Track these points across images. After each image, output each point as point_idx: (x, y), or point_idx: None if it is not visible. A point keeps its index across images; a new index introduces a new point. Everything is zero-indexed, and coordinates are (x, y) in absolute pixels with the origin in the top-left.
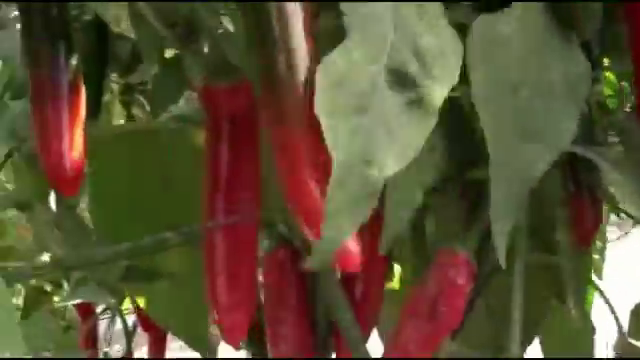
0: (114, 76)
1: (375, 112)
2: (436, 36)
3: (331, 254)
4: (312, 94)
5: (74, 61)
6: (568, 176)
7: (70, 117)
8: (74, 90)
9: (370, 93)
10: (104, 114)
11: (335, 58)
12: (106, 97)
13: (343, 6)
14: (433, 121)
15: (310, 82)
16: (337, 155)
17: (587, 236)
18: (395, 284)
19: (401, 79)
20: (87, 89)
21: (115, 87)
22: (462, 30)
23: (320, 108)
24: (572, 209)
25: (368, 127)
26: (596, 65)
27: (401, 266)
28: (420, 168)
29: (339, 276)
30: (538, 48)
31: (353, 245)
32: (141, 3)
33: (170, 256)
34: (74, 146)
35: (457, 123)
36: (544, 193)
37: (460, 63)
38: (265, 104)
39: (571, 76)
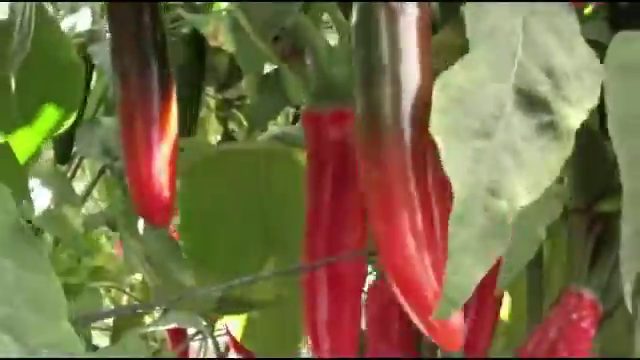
0: (210, 91)
1: (501, 136)
2: (570, 55)
3: (460, 302)
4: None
5: (167, 77)
6: None
7: (160, 140)
8: (166, 109)
9: (496, 114)
10: (200, 130)
11: (456, 73)
12: (202, 113)
13: (467, 17)
14: (569, 148)
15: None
16: (457, 185)
17: None
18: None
19: (531, 100)
20: (183, 105)
21: (211, 102)
22: (596, 49)
23: (437, 129)
24: None
25: (493, 153)
26: None
27: (511, 295)
28: (545, 200)
29: None
30: None
31: (456, 319)
32: (240, 14)
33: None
34: (164, 172)
35: (587, 150)
36: None
37: (599, 85)
38: (365, 151)
39: None
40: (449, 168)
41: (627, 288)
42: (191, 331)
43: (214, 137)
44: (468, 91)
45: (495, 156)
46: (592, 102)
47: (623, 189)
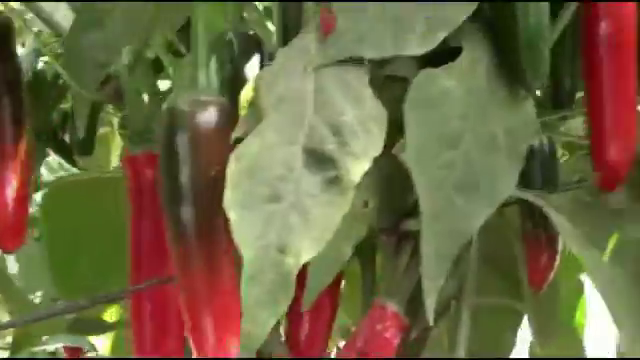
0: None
1: (290, 197)
2: (359, 108)
3: (255, 349)
4: None
5: (20, 115)
6: (526, 215)
7: (12, 174)
8: (18, 145)
9: (285, 178)
10: (103, 148)
11: (249, 144)
12: (106, 130)
13: (259, 86)
14: (350, 198)
15: None
16: (247, 251)
17: (541, 275)
18: None
19: (319, 159)
20: (78, 125)
21: (115, 120)
22: (403, 85)
23: (229, 202)
24: (527, 248)
25: (283, 214)
26: (568, 103)
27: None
28: (350, 223)
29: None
30: (481, 101)
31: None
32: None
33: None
34: (16, 203)
35: (391, 173)
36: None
37: (384, 131)
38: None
39: (513, 129)
40: (238, 237)
41: (429, 303)
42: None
43: (117, 153)
44: (259, 159)
45: (284, 217)
46: (377, 151)
47: (422, 213)
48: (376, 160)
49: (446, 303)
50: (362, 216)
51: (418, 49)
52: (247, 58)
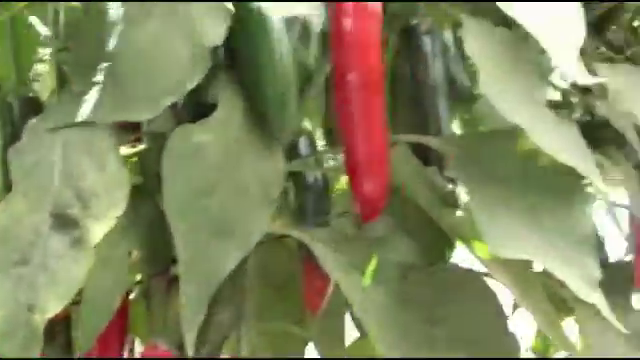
0: None
1: (38, 259)
2: (102, 173)
3: None
4: None
5: None
6: (302, 243)
7: None
8: None
9: (34, 242)
10: None
11: None
12: None
13: (11, 156)
14: (92, 255)
15: None
16: None
17: (317, 299)
18: None
19: (64, 222)
20: None
21: None
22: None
23: None
24: (305, 274)
25: (31, 276)
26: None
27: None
28: (117, 275)
29: None
30: (235, 153)
31: None
32: None
33: None
34: None
35: (156, 223)
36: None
37: (126, 192)
38: None
39: (265, 178)
40: None
41: (189, 338)
42: None
43: None
44: (8, 228)
45: (32, 278)
46: (119, 211)
47: (179, 259)
48: (143, 210)
49: (227, 330)
50: (131, 266)
51: (140, 115)
52: (27, 121)
